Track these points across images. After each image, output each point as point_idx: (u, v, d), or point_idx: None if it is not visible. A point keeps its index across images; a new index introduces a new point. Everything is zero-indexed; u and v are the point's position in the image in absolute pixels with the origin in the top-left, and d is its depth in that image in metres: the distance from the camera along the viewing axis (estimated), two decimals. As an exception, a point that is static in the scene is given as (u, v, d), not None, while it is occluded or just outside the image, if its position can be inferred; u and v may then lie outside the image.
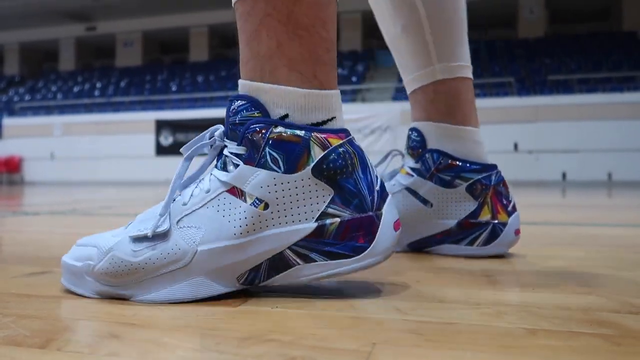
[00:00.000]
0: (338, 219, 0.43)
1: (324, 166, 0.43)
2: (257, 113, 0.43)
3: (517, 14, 12.20)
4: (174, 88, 12.39)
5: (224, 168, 0.44)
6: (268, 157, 0.43)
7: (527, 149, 8.36)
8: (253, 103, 0.44)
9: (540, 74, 10.15)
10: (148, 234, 0.43)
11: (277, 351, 0.31)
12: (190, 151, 0.46)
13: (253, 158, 0.43)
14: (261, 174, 0.43)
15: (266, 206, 0.43)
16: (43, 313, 0.40)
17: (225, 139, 0.45)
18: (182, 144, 9.97)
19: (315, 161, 0.42)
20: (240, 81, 0.46)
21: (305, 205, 0.43)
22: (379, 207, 0.45)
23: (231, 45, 15.07)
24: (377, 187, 0.45)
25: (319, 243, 0.43)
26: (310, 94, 0.44)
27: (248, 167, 0.43)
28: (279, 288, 0.49)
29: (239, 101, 0.44)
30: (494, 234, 0.67)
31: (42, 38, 14.90)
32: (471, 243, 0.68)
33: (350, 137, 0.45)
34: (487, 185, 0.68)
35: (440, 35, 0.69)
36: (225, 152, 0.45)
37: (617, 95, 8.43)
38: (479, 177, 0.68)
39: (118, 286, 0.44)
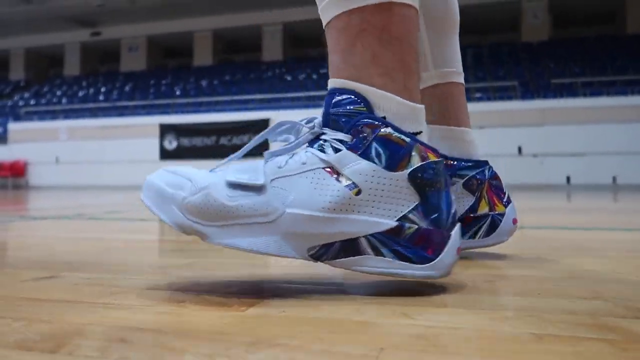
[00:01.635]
0: (416, 226, 0.46)
1: (419, 174, 0.46)
2: (363, 107, 0.47)
3: (521, 18, 12.20)
4: (178, 92, 12.44)
5: (322, 150, 0.48)
6: (373, 151, 0.46)
7: (531, 153, 8.35)
8: (360, 98, 0.47)
9: (544, 77, 10.14)
10: (247, 182, 0.46)
11: (285, 356, 0.32)
12: (283, 128, 0.51)
13: (357, 147, 0.46)
14: (363, 162, 0.46)
15: (359, 192, 0.46)
16: (53, 317, 0.41)
17: (322, 127, 0.49)
18: (186, 148, 10.03)
19: (414, 167, 0.46)
20: (334, 80, 0.49)
21: (393, 203, 0.46)
22: (451, 229, 0.48)
23: (235, 50, 15.12)
24: (453, 210, 0.48)
25: (393, 241, 0.46)
26: (403, 104, 0.48)
27: (351, 153, 0.46)
28: (286, 293, 0.49)
29: (344, 95, 0.48)
30: (494, 225, 0.70)
31: (48, 43, 15.00)
32: (473, 236, 0.70)
33: (441, 157, 0.48)
34: (482, 180, 0.71)
35: (437, 43, 0.74)
36: (325, 137, 0.48)
37: (622, 99, 8.41)
38: (474, 173, 0.71)
39: (201, 223, 0.47)
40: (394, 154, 0.46)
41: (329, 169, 0.47)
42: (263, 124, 9.42)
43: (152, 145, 10.13)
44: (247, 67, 13.46)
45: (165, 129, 10.15)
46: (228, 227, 0.46)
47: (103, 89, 13.43)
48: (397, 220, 0.46)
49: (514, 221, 0.71)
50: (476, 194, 0.70)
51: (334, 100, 0.49)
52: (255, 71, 13.11)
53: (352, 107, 0.47)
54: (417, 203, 0.46)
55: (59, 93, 13.71)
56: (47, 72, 16.01)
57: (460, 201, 0.70)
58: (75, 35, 14.80)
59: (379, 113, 0.47)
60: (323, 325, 0.38)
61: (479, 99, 9.55)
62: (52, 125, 11.09)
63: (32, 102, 13.45)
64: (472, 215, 0.70)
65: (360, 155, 0.46)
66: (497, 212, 0.71)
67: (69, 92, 13.68)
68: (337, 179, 0.46)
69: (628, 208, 2.35)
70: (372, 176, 0.46)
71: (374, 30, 0.47)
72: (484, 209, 0.70)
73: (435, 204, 0.47)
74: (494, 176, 0.72)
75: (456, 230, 0.48)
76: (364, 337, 0.35)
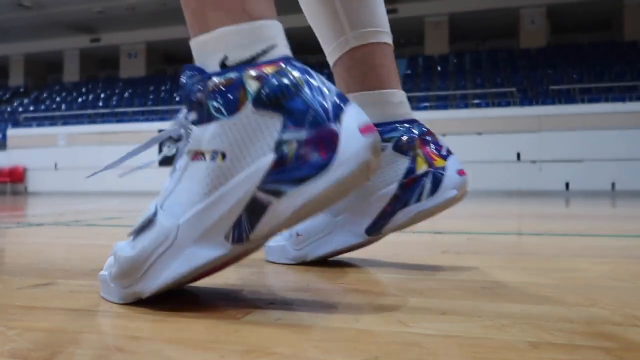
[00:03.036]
0: (295, 142, 0.40)
1: (262, 95, 0.41)
2: (197, 76, 0.44)
3: (519, 24, 12.25)
4: (177, 99, 12.45)
5: (188, 140, 0.45)
6: (212, 109, 0.43)
7: (530, 159, 8.35)
8: (190, 69, 0.45)
9: (542, 83, 10.17)
10: (138, 226, 0.46)
11: (281, 364, 0.31)
12: (161, 134, 0.48)
13: (203, 117, 0.44)
14: (210, 126, 0.43)
15: (223, 156, 0.42)
16: (48, 326, 0.41)
17: (187, 116, 0.46)
18: (185, 154, 10.05)
19: (253, 94, 0.41)
20: (191, 45, 0.47)
21: (258, 139, 0.41)
22: (337, 116, 0.41)
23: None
24: (331, 98, 0.42)
25: (284, 172, 0.41)
26: (241, 30, 0.43)
27: (200, 127, 0.44)
28: (281, 301, 0.49)
29: (183, 74, 0.45)
30: (437, 181, 0.65)
31: (47, 49, 15.02)
32: (419, 199, 0.65)
33: (290, 60, 0.44)
34: (412, 138, 0.66)
35: (351, 2, 0.68)
36: (187, 127, 0.45)
37: (620, 105, 8.43)
38: (401, 133, 0.66)
39: (130, 286, 0.46)
40: (227, 97, 0.42)
41: (195, 156, 0.44)
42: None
43: (151, 151, 10.11)
44: (246, 73, 13.43)
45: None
46: (147, 273, 0.45)
47: (102, 95, 13.44)
48: (274, 151, 0.41)
49: (460, 172, 0.65)
50: (409, 153, 0.65)
51: (181, 83, 0.46)
52: (254, 77, 13.08)
53: (190, 82, 0.45)
54: (282, 121, 0.41)
55: (58, 99, 13.72)
56: (46, 78, 16.02)
57: (395, 165, 0.65)
58: (75, 42, 14.82)
59: (218, 56, 0.43)
60: (318, 333, 0.38)
61: (477, 105, 9.58)
62: (51, 131, 11.08)
63: (31, 108, 13.46)
64: (411, 177, 0.65)
65: (206, 122, 0.43)
66: (437, 167, 0.65)
67: (68, 98, 13.69)
68: (203, 158, 0.43)
69: (625, 214, 2.35)
70: (224, 132, 0.42)
71: None
72: (421, 167, 0.65)
73: (301, 107, 0.41)
74: (426, 132, 0.67)
75: (347, 111, 0.41)
76: (359, 345, 0.35)
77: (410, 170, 0.65)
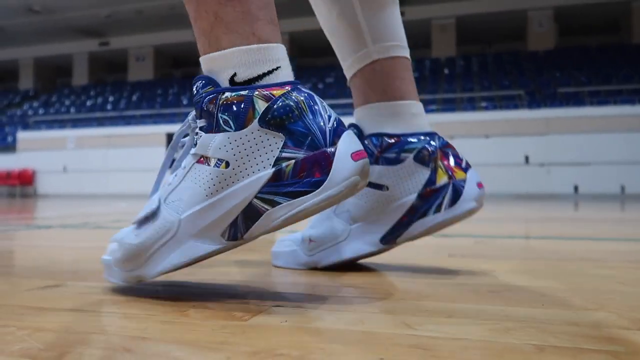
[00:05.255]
0: (293, 161, 0.46)
1: (269, 116, 0.46)
2: (210, 87, 0.48)
3: (527, 27, 12.21)
4: (184, 102, 12.52)
5: (195, 144, 0.50)
6: (221, 121, 0.47)
7: (538, 162, 8.32)
8: (205, 79, 0.49)
9: (550, 86, 10.12)
10: (142, 216, 0.50)
11: (286, 366, 0.32)
12: (174, 139, 0.54)
13: (211, 126, 0.48)
14: (218, 137, 0.47)
15: (227, 164, 0.47)
16: (57, 326, 0.41)
17: (196, 120, 0.51)
18: (192, 157, 10.10)
19: (260, 113, 0.46)
20: (200, 61, 0.51)
21: (260, 155, 0.46)
22: (334, 142, 0.47)
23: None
24: (330, 125, 0.47)
25: (279, 186, 0.46)
26: (250, 50, 0.48)
27: (208, 134, 0.48)
28: (288, 303, 0.49)
29: (198, 82, 0.50)
30: (457, 193, 0.65)
31: (56, 53, 15.16)
32: (438, 210, 0.65)
33: (297, 85, 0.48)
34: (434, 150, 0.66)
35: (373, 18, 0.70)
36: (196, 130, 0.50)
37: (629, 108, 8.37)
38: (423, 144, 0.66)
39: (133, 269, 0.51)
40: (237, 113, 0.47)
41: (200, 160, 0.49)
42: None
43: (159, 154, 10.16)
44: (254, 77, 13.46)
45: (171, 138, 10.22)
46: (148, 261, 0.50)
47: (110, 99, 13.54)
48: (273, 166, 0.46)
49: (479, 185, 0.66)
50: (430, 165, 0.65)
51: (193, 89, 0.50)
52: (261, 80, 13.11)
53: (202, 90, 0.49)
54: (283, 140, 0.46)
55: (67, 102, 13.84)
56: (55, 81, 16.17)
57: (415, 176, 0.65)
58: (84, 45, 14.95)
59: (228, 72, 0.48)
60: (324, 335, 0.39)
61: (485, 108, 9.55)
62: (60, 134, 11.18)
63: (41, 111, 13.58)
64: (430, 188, 0.65)
65: (214, 132, 0.48)
66: (457, 179, 0.65)
67: (77, 101, 13.80)
68: (208, 164, 0.48)
69: (634, 218, 2.33)
70: (230, 143, 0.47)
71: None
72: (442, 178, 0.65)
73: (303, 131, 0.46)
74: (446, 145, 0.67)
75: (343, 138, 0.47)
76: (364, 347, 0.35)
77: (431, 182, 0.65)
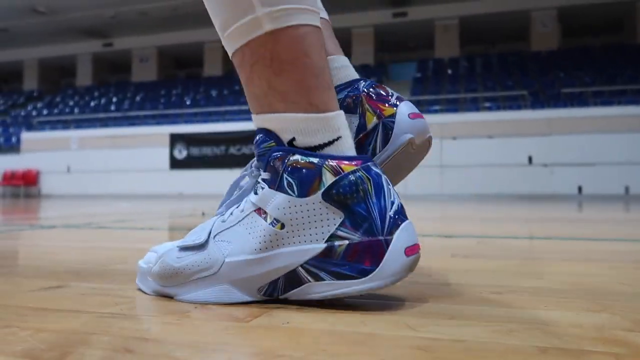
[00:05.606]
0: (347, 242, 0.46)
1: (334, 191, 0.46)
2: (273, 143, 0.48)
3: (530, 27, 12.18)
4: (188, 102, 12.54)
5: (256, 192, 0.50)
6: (285, 182, 0.47)
7: (541, 162, 8.29)
8: (266, 134, 0.49)
9: (554, 86, 10.09)
10: (191, 244, 0.51)
11: (288, 367, 0.32)
12: (238, 178, 0.54)
13: (274, 183, 0.48)
14: (279, 196, 0.47)
15: (282, 226, 0.47)
16: (59, 327, 0.41)
17: (260, 169, 0.51)
18: (195, 157, 10.10)
19: (326, 186, 0.46)
20: (253, 117, 0.50)
21: (316, 227, 0.46)
22: (391, 232, 0.46)
23: (245, 60, 15.13)
24: (391, 213, 0.46)
25: (327, 263, 0.46)
26: (309, 118, 0.47)
27: (270, 190, 0.48)
28: (290, 303, 0.49)
29: (258, 135, 0.50)
30: (387, 130, 0.60)
31: (60, 54, 15.21)
32: (373, 153, 0.61)
33: (368, 163, 0.47)
34: (357, 95, 0.61)
35: None
36: (258, 179, 0.50)
37: (633, 108, 8.33)
38: (345, 93, 0.62)
39: (166, 286, 0.52)
40: (303, 180, 0.46)
41: (258, 210, 0.49)
42: (272, 133, 9.41)
43: (163, 154, 10.19)
44: (257, 77, 13.47)
45: (175, 139, 10.22)
46: (184, 285, 0.51)
47: (114, 99, 13.57)
48: (326, 242, 0.46)
49: (412, 115, 0.60)
50: (357, 110, 0.61)
51: (255, 141, 0.50)
52: (264, 81, 13.11)
53: (264, 145, 0.49)
54: (342, 219, 0.46)
55: (71, 103, 13.87)
56: (59, 82, 16.21)
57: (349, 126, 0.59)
58: (87, 46, 14.99)
59: (287, 136, 0.47)
60: (326, 336, 0.39)
61: (489, 109, 9.52)
62: (64, 134, 11.20)
63: (45, 112, 13.62)
64: (363, 134, 0.60)
65: (277, 190, 0.47)
66: (386, 117, 0.60)
67: (80, 102, 13.84)
68: (265, 218, 0.48)
69: (637, 218, 2.32)
70: (289, 207, 0.46)
71: (264, 60, 0.47)
72: (371, 120, 0.60)
73: (363, 214, 0.46)
74: (372, 85, 0.62)
75: (401, 231, 0.46)
76: (366, 348, 0.35)
77: (362, 127, 0.61)
